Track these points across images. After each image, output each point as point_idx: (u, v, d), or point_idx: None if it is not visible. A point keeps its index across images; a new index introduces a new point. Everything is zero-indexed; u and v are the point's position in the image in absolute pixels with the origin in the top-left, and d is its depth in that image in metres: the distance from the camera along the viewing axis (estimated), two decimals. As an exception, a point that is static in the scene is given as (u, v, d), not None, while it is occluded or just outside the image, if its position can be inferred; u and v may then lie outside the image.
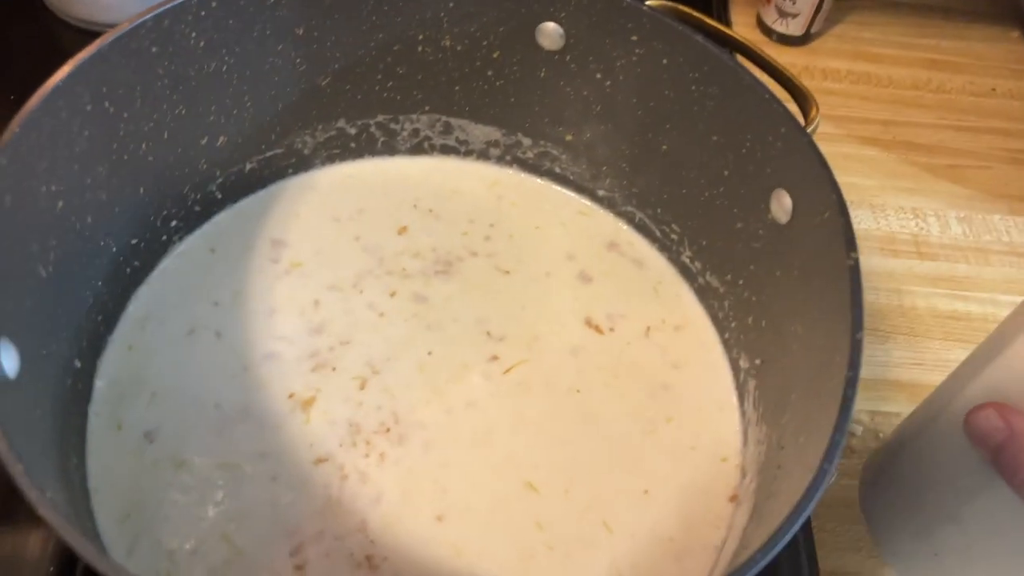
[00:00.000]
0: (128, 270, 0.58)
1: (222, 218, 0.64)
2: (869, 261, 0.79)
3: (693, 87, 0.56)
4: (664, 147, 0.61)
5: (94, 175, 0.51)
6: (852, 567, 0.62)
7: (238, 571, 0.50)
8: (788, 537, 0.37)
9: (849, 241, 0.46)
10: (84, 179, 0.50)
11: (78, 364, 0.53)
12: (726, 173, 0.57)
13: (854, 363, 0.42)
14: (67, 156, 0.48)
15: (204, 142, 0.59)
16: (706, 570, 0.53)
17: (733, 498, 0.56)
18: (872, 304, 0.76)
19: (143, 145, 0.54)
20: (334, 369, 0.58)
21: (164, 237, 0.61)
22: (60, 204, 0.49)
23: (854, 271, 0.45)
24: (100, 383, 0.56)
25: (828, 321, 0.47)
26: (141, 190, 0.56)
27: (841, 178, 0.49)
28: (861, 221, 0.81)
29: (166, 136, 0.56)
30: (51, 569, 0.53)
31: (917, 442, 0.56)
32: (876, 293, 0.77)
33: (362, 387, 0.58)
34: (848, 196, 0.48)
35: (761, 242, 0.56)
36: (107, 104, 0.50)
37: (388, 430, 0.56)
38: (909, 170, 0.86)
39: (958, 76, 0.95)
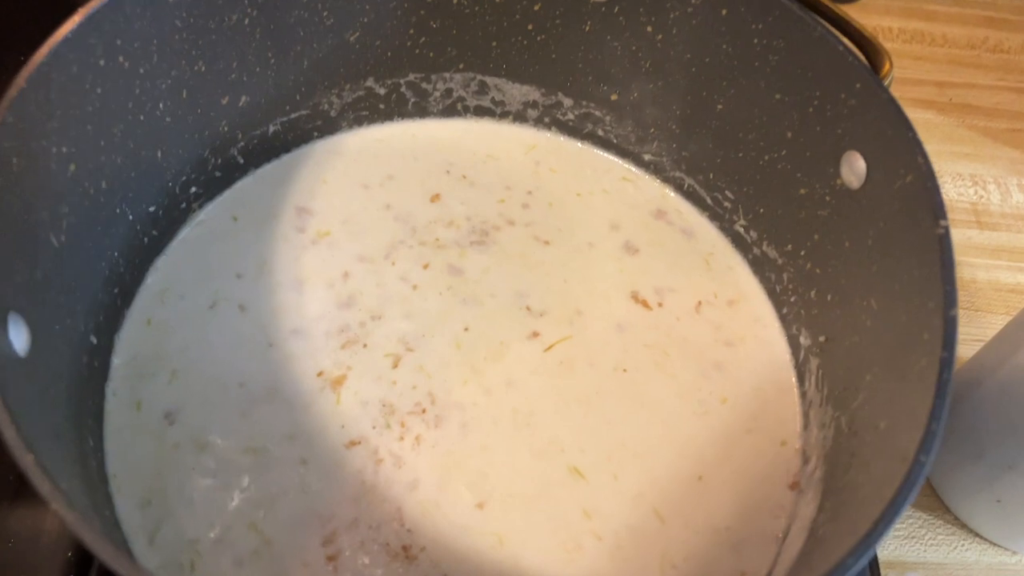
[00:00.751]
0: (146, 240, 0.54)
1: (244, 184, 0.60)
2: (926, 231, 0.74)
3: (755, 40, 0.52)
4: (719, 107, 0.57)
5: (108, 137, 0.47)
6: (911, 556, 0.58)
7: (266, 562, 0.47)
8: (882, 539, 0.33)
9: (937, 208, 0.42)
10: (98, 141, 0.47)
11: (94, 340, 0.50)
12: (789, 135, 0.53)
13: (949, 342, 0.38)
14: (79, 115, 0.45)
15: (225, 102, 0.55)
16: (767, 562, 0.50)
17: (794, 485, 0.52)
18: (929, 277, 0.71)
19: (160, 105, 0.50)
20: (365, 346, 0.55)
21: (184, 205, 0.57)
22: (72, 167, 0.45)
23: (944, 241, 0.41)
24: (118, 360, 0.52)
25: (911, 296, 0.42)
26: (159, 154, 0.52)
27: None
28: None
29: (185, 95, 0.52)
30: (69, 551, 0.50)
31: (979, 391, 0.54)
32: (934, 265, 0.72)
33: (395, 365, 0.54)
34: (901, 162, 0.44)
35: (828, 209, 0.52)
36: (121, 59, 0.46)
37: (424, 411, 0.53)
38: (967, 134, 0.82)
39: (1017, 34, 0.90)
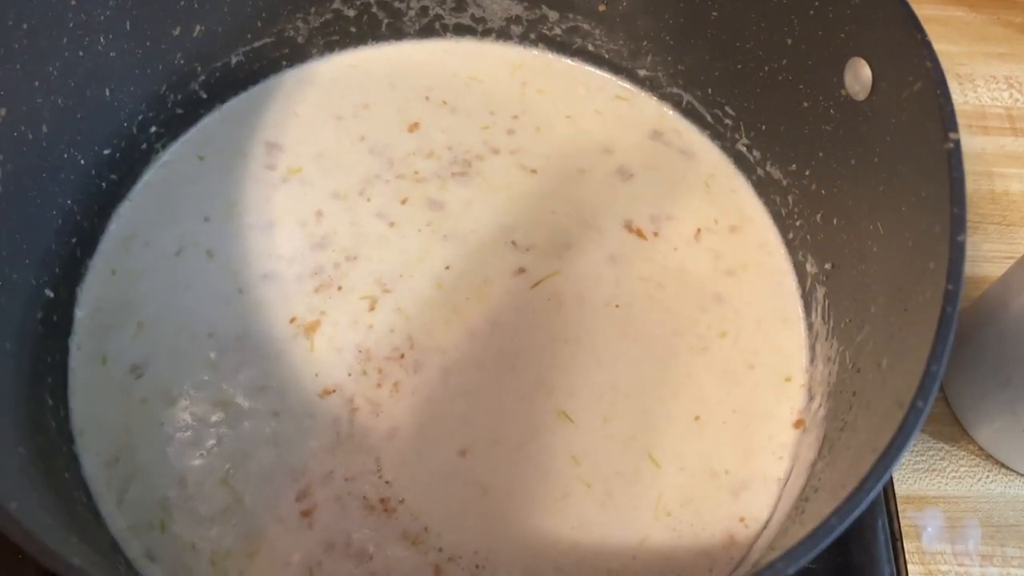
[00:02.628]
0: (104, 185, 0.52)
1: (209, 121, 0.57)
2: (955, 140, 0.69)
3: (749, -64, 0.46)
4: (714, 14, 0.52)
5: (43, 76, 0.44)
6: (932, 491, 0.55)
7: (239, 518, 0.45)
8: (874, 494, 0.30)
9: (947, 119, 0.37)
10: (30, 81, 0.44)
11: (50, 294, 0.47)
12: (789, 42, 0.49)
13: (955, 273, 0.33)
14: (4, 54, 0.41)
15: (177, 32, 0.52)
16: (768, 506, 0.47)
17: (798, 424, 0.49)
18: (958, 190, 0.66)
19: (101, 38, 0.47)
20: (340, 288, 0.52)
21: (144, 146, 0.54)
22: (3, 112, 0.42)
23: (954, 156, 0.36)
24: (81, 313, 0.50)
25: (918, 219, 0.38)
26: (106, 92, 0.49)
27: (921, 44, 0.40)
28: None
29: (128, 26, 0.48)
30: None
31: (1006, 313, 0.50)
32: (963, 177, 0.67)
33: (372, 308, 0.51)
34: (928, 65, 0.39)
35: (832, 124, 0.48)
36: (47, -11, 0.43)
37: (402, 356, 0.50)
38: (1001, 32, 0.75)
39: (1061, -82, 0.82)
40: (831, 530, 0.29)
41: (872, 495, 0.29)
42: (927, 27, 0.73)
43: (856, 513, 0.29)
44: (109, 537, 0.44)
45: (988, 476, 0.56)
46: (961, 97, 0.71)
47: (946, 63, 0.72)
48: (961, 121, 0.68)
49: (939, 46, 0.72)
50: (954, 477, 0.56)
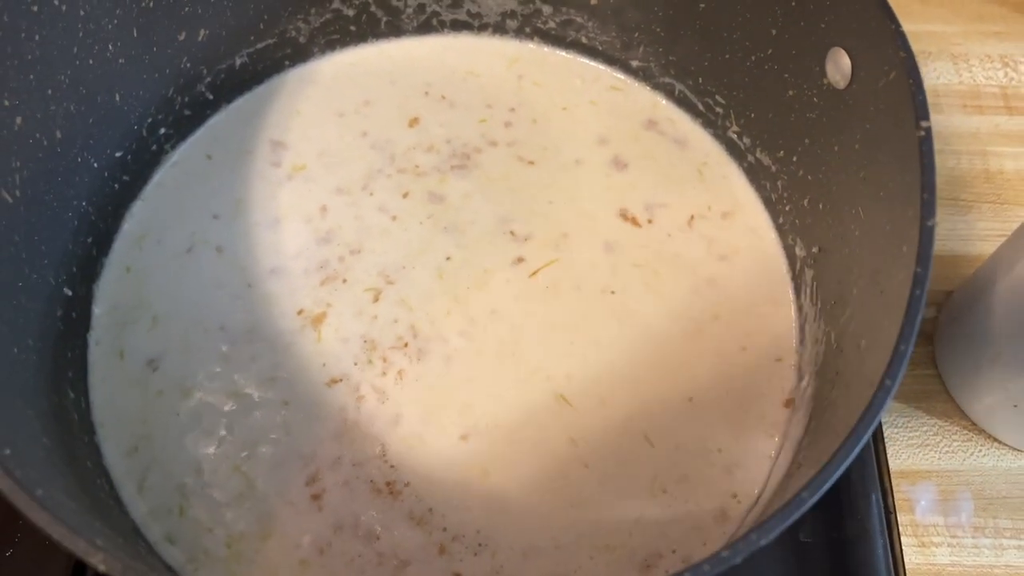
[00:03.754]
0: (116, 186, 0.54)
1: (217, 121, 0.59)
2: (950, 120, 0.69)
3: (731, -71, 0.48)
4: (702, 5, 0.53)
5: (55, 85, 0.46)
6: (924, 464, 0.56)
7: (252, 503, 0.47)
8: (841, 470, 0.31)
9: (919, 106, 0.38)
10: (44, 90, 0.45)
11: (69, 292, 0.50)
12: (774, 32, 0.49)
13: (924, 256, 0.35)
14: (18, 65, 0.43)
15: (182, 38, 0.53)
16: (759, 483, 0.48)
17: (789, 403, 0.50)
18: (953, 170, 0.67)
19: (109, 46, 0.49)
20: (345, 281, 0.54)
21: (154, 147, 0.56)
22: (18, 120, 0.44)
23: (925, 143, 0.37)
24: (98, 310, 0.52)
25: (894, 204, 0.39)
26: (116, 97, 0.51)
27: (916, 26, 0.41)
28: (940, 75, 0.71)
29: (135, 34, 0.50)
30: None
31: (995, 290, 0.52)
32: (957, 157, 0.68)
33: (376, 299, 0.53)
34: (925, 46, 0.40)
35: (816, 111, 0.49)
36: (56, 2, 0.45)
37: (406, 345, 0.52)
38: (997, 11, 0.75)
39: None
40: (802, 503, 0.31)
41: (840, 470, 0.31)
42: (922, 8, 0.74)
43: (825, 487, 0.31)
44: (131, 522, 0.46)
45: (980, 450, 0.57)
46: (956, 77, 0.71)
47: (941, 43, 0.73)
48: (955, 101, 0.70)
49: (934, 26, 0.74)
50: (947, 451, 0.57)
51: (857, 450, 0.31)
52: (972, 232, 0.65)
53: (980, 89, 0.71)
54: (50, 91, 0.46)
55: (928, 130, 0.37)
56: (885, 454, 0.54)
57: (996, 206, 0.66)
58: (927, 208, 0.35)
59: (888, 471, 0.54)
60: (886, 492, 0.52)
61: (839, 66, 0.45)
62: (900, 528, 0.53)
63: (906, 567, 0.52)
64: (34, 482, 0.33)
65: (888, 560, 0.49)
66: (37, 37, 0.44)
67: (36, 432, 0.41)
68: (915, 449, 0.57)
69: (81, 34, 0.47)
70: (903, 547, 0.52)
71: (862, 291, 0.43)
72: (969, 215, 0.65)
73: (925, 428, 0.58)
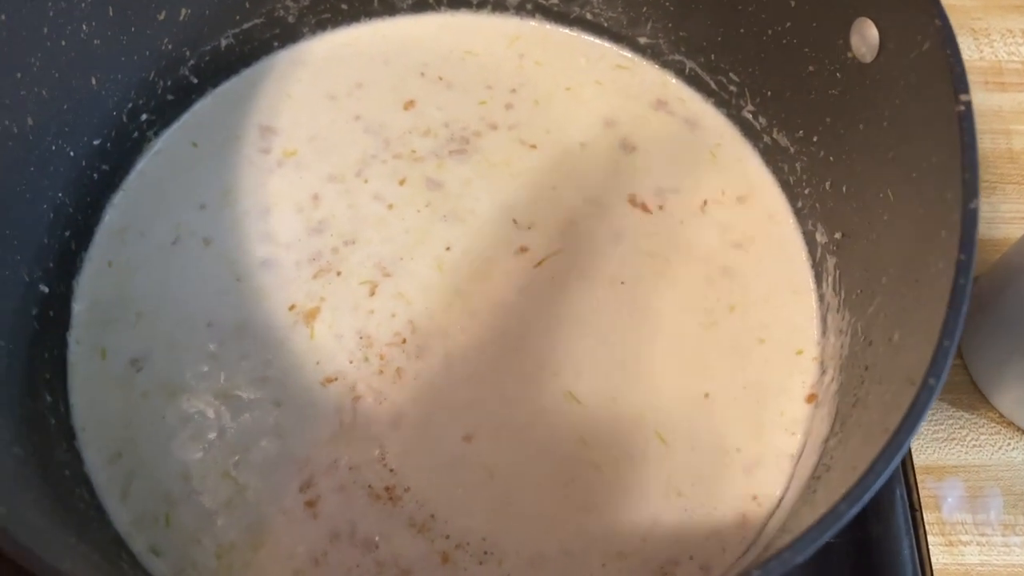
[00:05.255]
0: (95, 176, 0.51)
1: (202, 106, 0.56)
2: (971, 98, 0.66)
3: None
4: (714, -24, 0.50)
5: (24, 68, 0.43)
6: (951, 459, 0.54)
7: (242, 511, 0.45)
8: (885, 478, 0.29)
9: (958, 79, 0.35)
10: (12, 73, 0.43)
11: (45, 289, 0.47)
12: (793, 3, 0.47)
13: (967, 242, 0.32)
14: (-18, 48, 0.40)
15: (162, 17, 0.50)
16: (781, 483, 0.46)
17: (811, 398, 0.48)
18: (975, 150, 0.64)
19: (83, 26, 0.46)
20: (339, 273, 0.51)
21: (136, 134, 0.53)
22: (-16, 107, 0.41)
23: (965, 119, 0.34)
24: (78, 307, 0.50)
25: (929, 185, 0.37)
26: (93, 81, 0.48)
27: (936, 0, 0.38)
28: (960, 51, 0.68)
29: (110, 13, 0.47)
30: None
31: (1022, 280, 0.49)
32: (980, 137, 0.64)
33: (372, 293, 0.50)
34: (943, 21, 0.37)
35: (839, 88, 0.46)
36: (23, -23, 0.42)
37: (404, 341, 0.49)
38: (1020, -16, 0.72)
39: None
40: (840, 516, 0.28)
41: (883, 479, 0.28)
42: (940, -19, 0.71)
43: (866, 498, 0.28)
44: (113, 533, 0.44)
45: (1009, 444, 0.54)
46: (977, 53, 0.69)
47: (961, 18, 0.70)
48: (977, 78, 0.67)
49: (953, 0, 0.71)
50: (974, 446, 0.54)
51: (900, 456, 0.28)
52: (996, 215, 0.62)
53: (1003, 65, 0.69)
54: (19, 75, 0.43)
55: (968, 104, 0.34)
56: (909, 449, 0.52)
57: (1021, 187, 0.64)
58: (969, 189, 0.33)
59: (913, 467, 0.52)
60: (911, 489, 0.50)
61: (865, 38, 0.42)
62: (926, 527, 0.51)
63: (933, 567, 0.49)
64: (-2, 499, 0.30)
65: (914, 560, 0.47)
66: (2, 17, 0.41)
67: (6, 441, 0.38)
68: (941, 443, 0.54)
69: (51, 13, 0.44)
70: (930, 546, 0.50)
71: (893, 280, 0.40)
72: (993, 197, 0.63)
73: (951, 421, 0.55)
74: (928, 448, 0.54)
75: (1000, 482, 0.53)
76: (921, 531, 0.50)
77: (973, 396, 0.56)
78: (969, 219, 0.32)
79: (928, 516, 0.52)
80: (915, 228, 0.38)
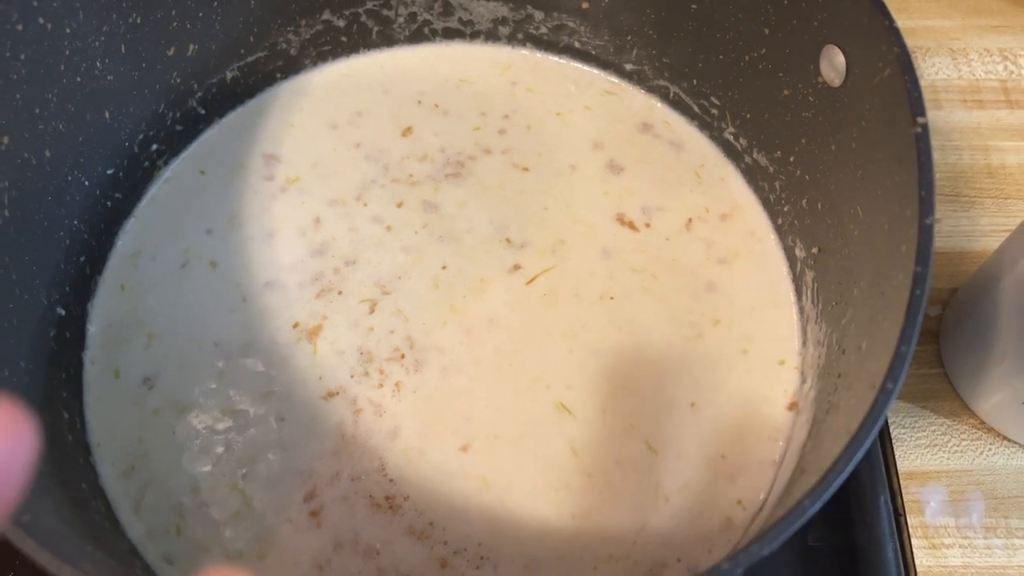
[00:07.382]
0: (109, 203, 0.53)
1: (210, 136, 0.58)
2: (950, 116, 0.69)
3: (720, -72, 0.47)
4: (693, 6, 0.53)
5: (43, 103, 0.46)
6: (933, 465, 0.55)
7: (249, 521, 0.47)
8: (843, 477, 0.31)
9: (915, 103, 0.37)
10: (31, 109, 0.45)
11: (62, 312, 0.49)
12: (766, 31, 0.49)
13: (923, 255, 0.34)
14: (3, 85, 0.43)
15: (171, 53, 0.53)
16: (764, 489, 0.48)
17: (792, 406, 0.50)
18: (955, 166, 0.66)
19: (97, 63, 0.48)
20: (340, 293, 0.53)
21: (146, 163, 0.55)
22: (5, 140, 0.43)
23: (922, 140, 0.37)
24: (93, 328, 0.52)
25: (892, 203, 0.39)
26: (106, 114, 0.51)
27: (913, 22, 0.40)
28: (939, 70, 0.70)
29: (123, 50, 0.50)
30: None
31: (1000, 285, 0.51)
32: (959, 153, 0.67)
33: (372, 310, 0.53)
34: (923, 42, 0.39)
35: (813, 110, 0.48)
36: (42, 20, 0.44)
37: (403, 356, 0.51)
38: (996, 5, 0.74)
39: None
40: (803, 511, 0.30)
41: (843, 476, 0.30)
42: (920, 3, 0.73)
43: (827, 495, 0.30)
44: (128, 543, 0.46)
45: (990, 449, 0.56)
46: (955, 72, 0.71)
47: (939, 38, 0.73)
48: (956, 96, 0.70)
49: (932, 21, 0.73)
50: (956, 451, 0.56)
51: (859, 456, 0.30)
52: (976, 228, 0.64)
53: (980, 83, 0.71)
54: (37, 110, 0.45)
55: (925, 126, 0.36)
56: (893, 455, 0.54)
57: (999, 201, 0.65)
58: (925, 206, 0.35)
59: (896, 473, 0.53)
60: (895, 494, 0.52)
61: (833, 64, 0.44)
62: (910, 530, 0.52)
63: (917, 570, 0.51)
64: (23, 507, 0.32)
65: (899, 563, 0.48)
66: (23, 56, 0.44)
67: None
68: (923, 449, 0.56)
69: (68, 52, 0.46)
70: (914, 549, 0.51)
71: (863, 292, 0.42)
72: (972, 211, 0.65)
73: (933, 428, 0.57)
74: (911, 454, 0.56)
75: (981, 486, 0.55)
76: (905, 535, 0.51)
77: (954, 403, 0.57)
78: (925, 234, 0.34)
79: (912, 520, 0.53)
80: (882, 243, 0.40)
